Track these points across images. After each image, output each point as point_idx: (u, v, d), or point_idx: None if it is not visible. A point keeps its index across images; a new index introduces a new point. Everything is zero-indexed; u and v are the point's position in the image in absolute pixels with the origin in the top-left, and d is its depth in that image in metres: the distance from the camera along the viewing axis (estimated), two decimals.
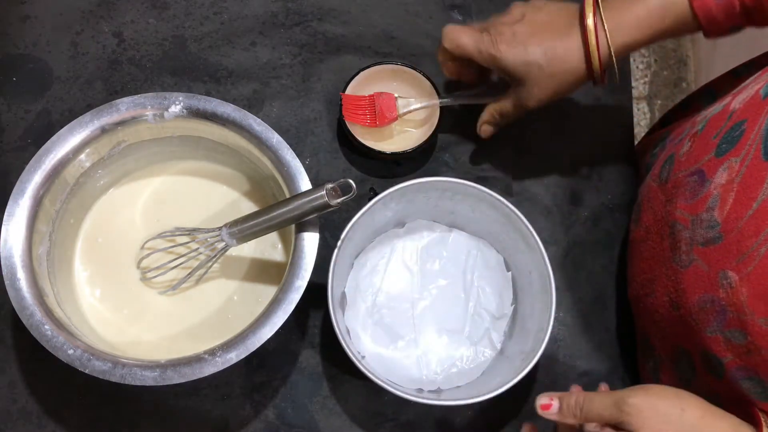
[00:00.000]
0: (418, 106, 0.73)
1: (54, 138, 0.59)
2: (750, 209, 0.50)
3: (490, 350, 0.68)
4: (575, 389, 0.57)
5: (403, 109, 0.72)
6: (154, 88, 0.75)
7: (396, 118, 0.72)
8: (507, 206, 0.64)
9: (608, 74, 0.64)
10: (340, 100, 0.71)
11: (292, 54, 0.78)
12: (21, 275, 0.55)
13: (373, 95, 0.71)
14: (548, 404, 0.55)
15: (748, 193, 0.51)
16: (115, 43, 0.75)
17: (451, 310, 0.69)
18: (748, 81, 0.62)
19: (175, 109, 0.61)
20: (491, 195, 0.64)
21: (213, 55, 0.76)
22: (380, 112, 0.71)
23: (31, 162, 0.58)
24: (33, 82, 0.73)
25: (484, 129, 0.72)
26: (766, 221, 0.49)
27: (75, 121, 0.60)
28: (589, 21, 0.61)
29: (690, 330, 0.57)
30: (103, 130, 0.60)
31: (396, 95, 0.72)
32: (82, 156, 0.60)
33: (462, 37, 0.66)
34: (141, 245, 0.66)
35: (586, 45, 0.61)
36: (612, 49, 0.61)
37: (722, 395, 0.55)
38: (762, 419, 0.50)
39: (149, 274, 0.65)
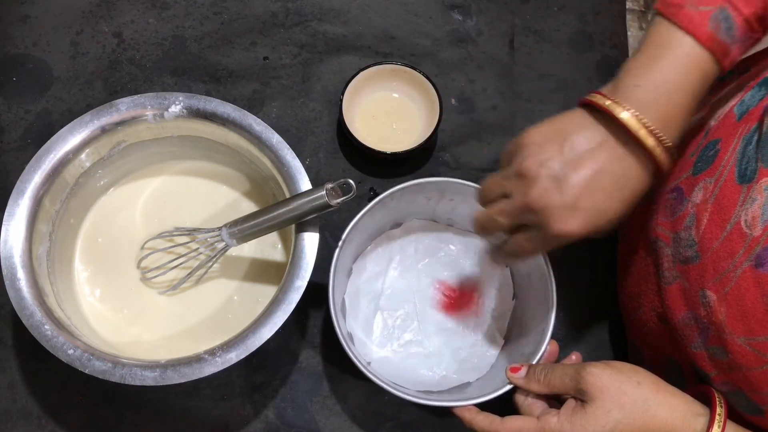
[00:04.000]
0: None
1: (54, 138, 0.59)
2: (724, 231, 0.50)
3: (495, 346, 0.68)
4: (573, 356, 0.60)
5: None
6: (154, 88, 0.75)
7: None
8: None
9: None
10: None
11: (292, 54, 0.78)
12: (21, 275, 0.55)
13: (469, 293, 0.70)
14: (518, 368, 0.58)
15: (721, 215, 0.51)
16: (115, 43, 0.75)
17: None
18: (724, 91, 0.61)
19: (175, 109, 0.61)
20: None
21: (213, 55, 0.76)
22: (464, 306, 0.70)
23: (31, 162, 0.58)
24: (33, 82, 0.73)
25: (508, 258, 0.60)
26: (740, 244, 0.49)
27: (75, 121, 0.60)
28: (645, 140, 0.50)
29: (678, 343, 0.57)
30: (103, 130, 0.60)
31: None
32: (82, 156, 0.60)
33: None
34: (141, 245, 0.66)
35: (655, 164, 0.51)
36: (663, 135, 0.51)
37: None
38: (716, 396, 0.52)
39: (149, 274, 0.65)
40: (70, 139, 0.59)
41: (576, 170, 0.50)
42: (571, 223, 0.50)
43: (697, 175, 0.55)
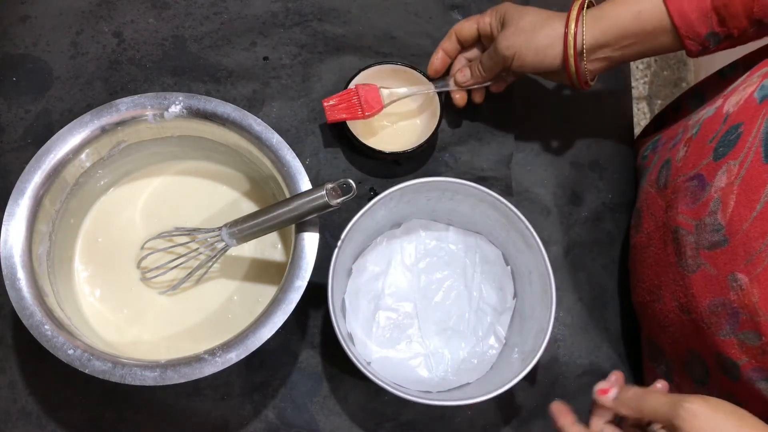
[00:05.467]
0: (406, 92, 0.72)
1: (54, 138, 0.59)
2: (754, 211, 0.51)
3: (496, 344, 0.68)
4: (616, 374, 0.57)
5: (389, 99, 0.71)
6: (154, 88, 0.75)
7: (382, 107, 0.71)
8: (507, 206, 0.64)
9: (581, 74, 0.66)
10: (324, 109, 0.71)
11: (292, 54, 0.78)
12: (21, 275, 0.55)
13: (355, 87, 0.71)
14: (606, 389, 0.55)
15: (749, 196, 0.51)
16: (115, 43, 0.75)
17: (455, 307, 0.69)
18: (737, 83, 0.62)
19: (175, 109, 0.61)
20: (491, 195, 0.64)
21: (213, 55, 0.76)
22: (366, 103, 0.71)
23: (31, 162, 0.58)
24: (33, 82, 0.73)
25: (462, 74, 0.73)
26: None
27: (75, 121, 0.60)
28: (573, 13, 0.64)
29: (702, 334, 0.57)
30: (103, 130, 0.60)
31: (379, 85, 0.71)
32: (82, 156, 0.60)
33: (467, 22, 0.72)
34: (141, 245, 0.66)
35: (565, 32, 0.64)
36: (585, 41, 0.64)
37: (738, 396, 0.55)
38: None
39: (149, 274, 0.65)
40: (70, 139, 0.59)
41: (533, 17, 0.67)
42: (506, 43, 0.66)
43: (719, 160, 0.56)
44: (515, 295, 0.69)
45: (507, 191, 0.76)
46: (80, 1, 0.76)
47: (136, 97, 0.61)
